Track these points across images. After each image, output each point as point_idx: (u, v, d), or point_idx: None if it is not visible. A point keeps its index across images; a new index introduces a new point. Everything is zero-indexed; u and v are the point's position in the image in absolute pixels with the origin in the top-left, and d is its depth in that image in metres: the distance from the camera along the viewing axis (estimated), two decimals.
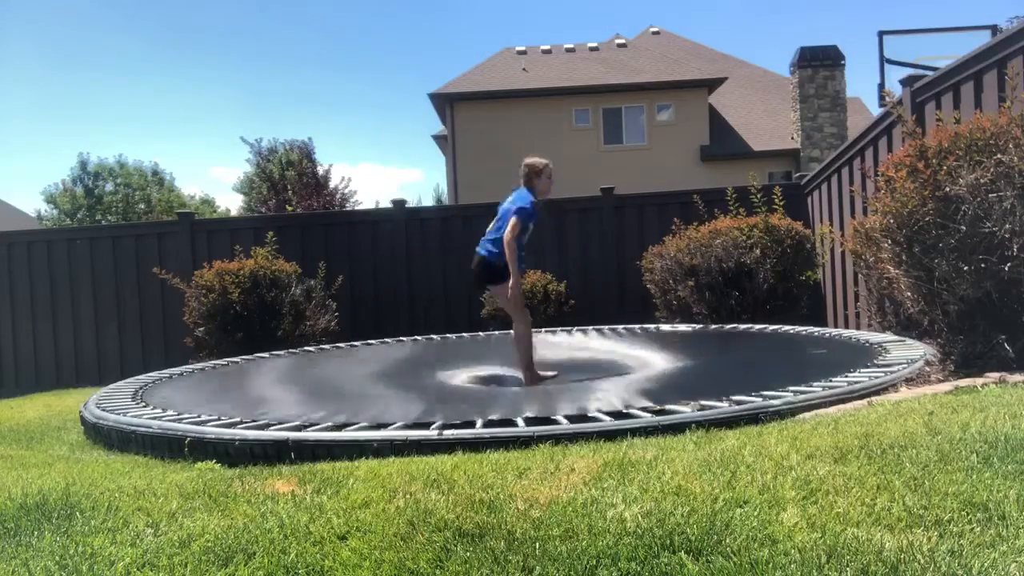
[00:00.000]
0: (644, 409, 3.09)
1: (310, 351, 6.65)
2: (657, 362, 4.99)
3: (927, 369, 3.62)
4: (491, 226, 4.68)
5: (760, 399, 3.09)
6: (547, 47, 23.11)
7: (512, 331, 4.82)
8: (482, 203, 8.70)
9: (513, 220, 4.41)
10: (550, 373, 4.66)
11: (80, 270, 9.15)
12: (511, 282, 4.41)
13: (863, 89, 53.42)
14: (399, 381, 4.95)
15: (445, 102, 20.88)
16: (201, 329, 7.27)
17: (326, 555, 1.69)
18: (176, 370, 5.79)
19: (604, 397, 3.44)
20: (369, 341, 7.23)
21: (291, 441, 2.91)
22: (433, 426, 2.95)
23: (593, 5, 66.05)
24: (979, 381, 3.14)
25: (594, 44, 23.04)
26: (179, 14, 64.75)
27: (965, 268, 3.59)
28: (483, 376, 4.93)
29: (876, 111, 13.40)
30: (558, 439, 2.70)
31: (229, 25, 67.09)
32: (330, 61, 70.05)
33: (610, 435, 2.71)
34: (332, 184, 26.66)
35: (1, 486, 2.41)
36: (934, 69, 6.04)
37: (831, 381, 3.38)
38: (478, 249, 4.65)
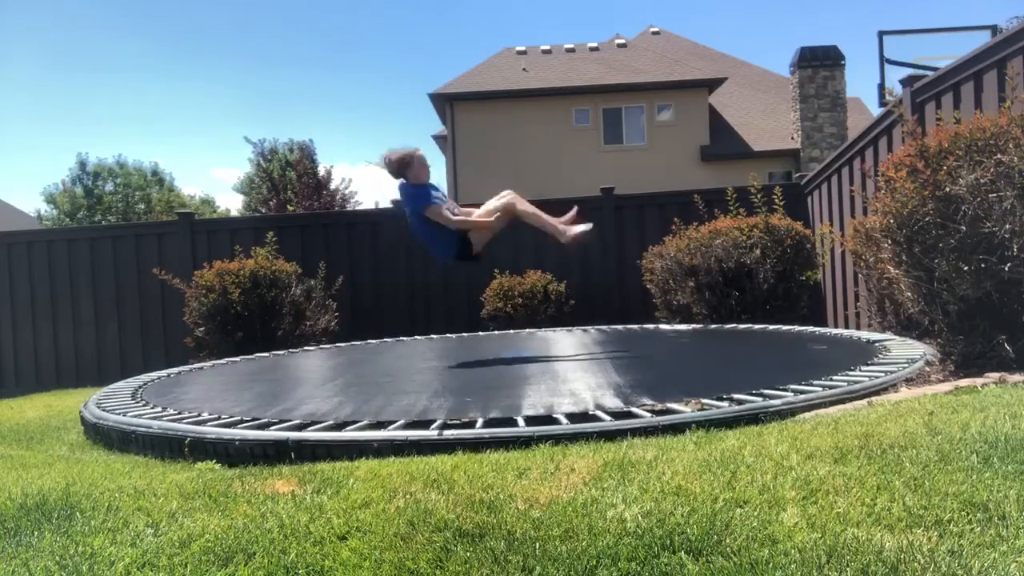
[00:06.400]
0: (644, 409, 3.09)
1: (310, 351, 6.65)
2: (657, 362, 4.99)
3: (927, 369, 3.62)
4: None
5: (760, 399, 3.08)
6: (547, 47, 23.11)
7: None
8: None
9: (429, 210, 4.52)
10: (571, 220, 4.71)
11: (80, 270, 9.15)
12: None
13: (863, 89, 53.39)
14: (399, 381, 4.94)
15: (445, 102, 20.88)
16: (201, 329, 7.27)
17: (326, 555, 1.69)
18: (176, 370, 5.79)
19: (604, 397, 3.44)
20: (369, 341, 7.23)
21: (291, 441, 2.91)
22: (433, 426, 2.95)
23: (593, 5, 66.08)
24: (979, 381, 3.14)
25: (594, 44, 23.04)
26: (179, 14, 64.76)
27: (965, 268, 3.59)
28: (483, 377, 4.93)
29: (876, 111, 13.39)
30: (558, 439, 2.70)
31: (229, 25, 67.10)
32: (330, 61, 70.09)
33: (610, 435, 2.71)
34: (333, 185, 26.67)
35: (1, 486, 2.41)
36: (934, 69, 6.04)
37: (831, 381, 3.38)
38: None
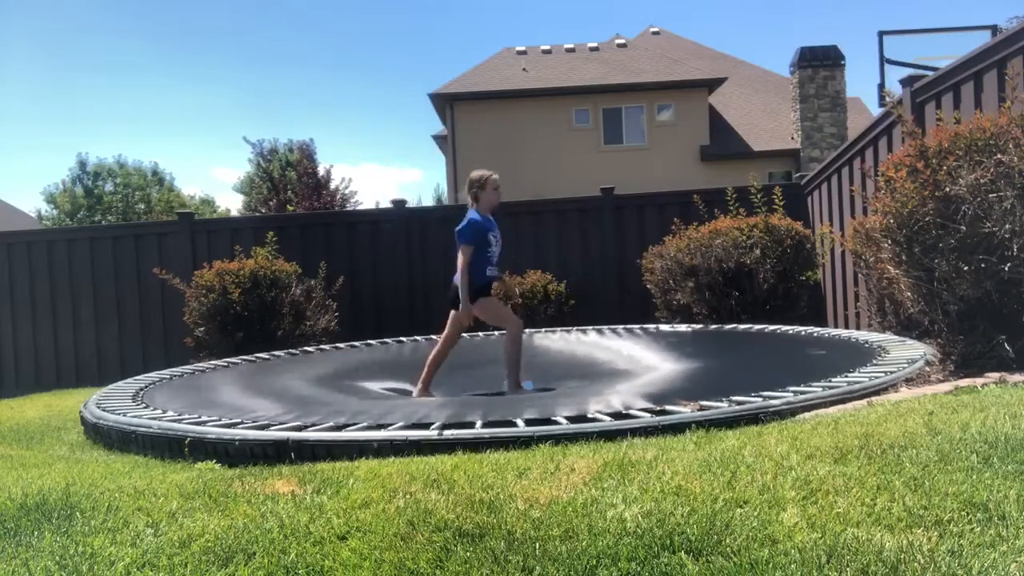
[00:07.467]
0: (644, 409, 3.09)
1: (310, 351, 6.65)
2: (657, 362, 4.99)
3: (927, 369, 3.62)
4: None
5: (760, 399, 3.09)
6: (547, 47, 23.10)
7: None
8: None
9: (460, 248, 4.37)
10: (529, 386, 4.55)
11: (80, 270, 9.14)
12: (460, 309, 4.35)
13: (863, 89, 53.41)
14: (400, 381, 4.95)
15: (445, 102, 20.88)
16: (201, 329, 7.27)
17: (326, 555, 1.69)
18: (176, 370, 5.79)
19: (604, 397, 3.44)
20: (369, 341, 7.23)
21: (291, 441, 2.91)
22: (433, 426, 2.95)
23: (593, 5, 66.12)
24: (979, 381, 3.14)
25: (594, 44, 23.04)
26: (179, 14, 64.78)
27: (965, 268, 3.59)
28: (481, 376, 4.93)
29: (876, 111, 13.39)
30: (558, 439, 2.70)
31: (229, 25, 67.11)
32: (331, 61, 70.09)
33: (610, 435, 2.71)
34: (333, 184, 26.66)
35: (1, 486, 2.41)
36: (934, 69, 6.04)
37: (831, 381, 3.38)
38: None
